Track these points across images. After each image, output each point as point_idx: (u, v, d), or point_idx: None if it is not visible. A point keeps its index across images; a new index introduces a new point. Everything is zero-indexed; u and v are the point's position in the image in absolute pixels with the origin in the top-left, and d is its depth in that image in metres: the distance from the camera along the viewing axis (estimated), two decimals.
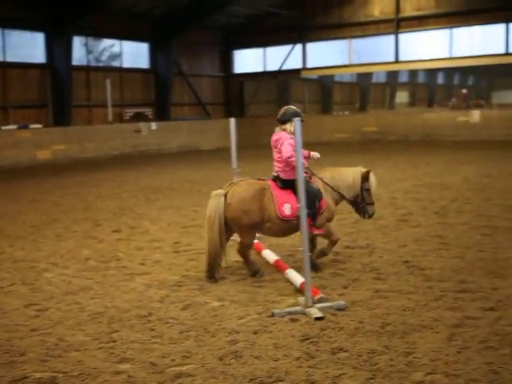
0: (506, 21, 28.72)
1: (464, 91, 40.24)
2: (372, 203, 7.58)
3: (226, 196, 6.98)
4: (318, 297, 5.92)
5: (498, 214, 10.34)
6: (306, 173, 6.98)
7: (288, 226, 7.05)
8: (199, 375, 4.44)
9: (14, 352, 5.05)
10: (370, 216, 7.65)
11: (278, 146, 7.05)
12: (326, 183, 7.26)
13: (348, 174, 7.42)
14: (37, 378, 4.48)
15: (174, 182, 17.03)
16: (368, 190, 7.46)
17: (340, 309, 5.77)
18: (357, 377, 4.29)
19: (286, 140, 6.99)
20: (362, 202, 7.48)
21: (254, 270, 7.14)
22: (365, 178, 7.43)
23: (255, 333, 5.27)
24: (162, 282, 7.11)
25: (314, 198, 6.94)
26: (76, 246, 9.26)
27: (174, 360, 4.74)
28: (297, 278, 6.52)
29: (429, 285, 6.49)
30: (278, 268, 7.29)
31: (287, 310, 5.79)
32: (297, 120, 5.40)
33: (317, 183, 7.19)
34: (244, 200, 6.90)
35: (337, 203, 7.50)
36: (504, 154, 20.80)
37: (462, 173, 16.07)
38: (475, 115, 28.34)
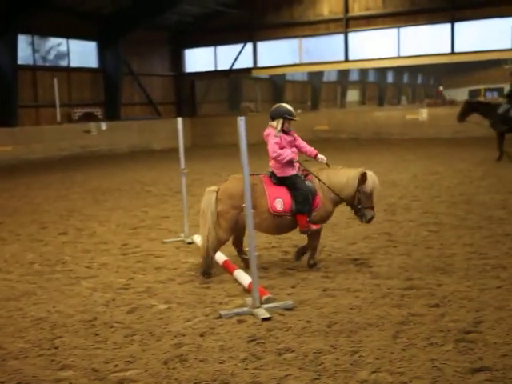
0: (452, 20, 29.34)
1: (440, 88, 40.76)
2: (370, 207, 7.29)
3: (217, 192, 6.99)
4: (265, 297, 5.88)
5: (444, 211, 10.51)
6: (302, 171, 7.19)
7: (280, 222, 7.05)
8: (142, 380, 4.34)
9: None
10: (368, 221, 7.35)
11: (267, 142, 7.11)
12: (322, 181, 7.14)
13: (343, 175, 7.24)
14: None
15: (123, 183, 16.78)
16: (365, 193, 7.20)
17: (288, 308, 5.74)
18: (302, 377, 4.26)
19: (272, 138, 7.00)
20: (358, 206, 7.24)
21: (207, 270, 7.02)
22: (362, 180, 7.17)
23: (201, 335, 5.19)
24: (108, 285, 6.96)
25: (307, 195, 6.94)
26: (20, 250, 9.00)
27: (117, 365, 4.63)
28: (245, 278, 6.47)
29: (376, 282, 6.52)
30: (226, 269, 7.23)
31: (235, 310, 5.74)
32: (240, 120, 5.33)
33: (313, 181, 7.14)
34: (233, 196, 6.86)
35: (335, 204, 7.31)
36: (451, 152, 21.23)
37: (410, 170, 16.31)
38: (424, 113, 28.86)
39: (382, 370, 4.34)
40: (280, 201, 6.95)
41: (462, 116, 18.15)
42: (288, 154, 7.01)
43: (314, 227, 7.18)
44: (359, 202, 7.23)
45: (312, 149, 7.46)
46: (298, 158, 7.16)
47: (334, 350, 4.74)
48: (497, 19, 28.84)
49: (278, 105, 7.31)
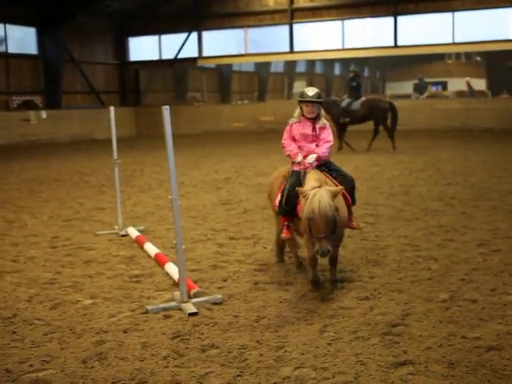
0: (395, 14, 29.68)
1: (467, 79, 41.01)
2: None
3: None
4: (194, 291, 5.74)
5: (382, 202, 10.57)
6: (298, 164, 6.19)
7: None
8: (57, 381, 4.13)
9: None
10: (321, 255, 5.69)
11: None
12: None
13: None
14: None
15: (62, 173, 16.34)
16: None
17: (216, 303, 5.62)
18: (224, 375, 4.14)
19: (287, 125, 6.47)
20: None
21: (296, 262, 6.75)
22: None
23: (125, 331, 5.01)
24: (34, 279, 6.69)
25: (289, 197, 6.11)
26: None
27: (32, 365, 4.40)
28: (175, 271, 6.30)
29: (308, 275, 6.45)
30: (158, 262, 7.05)
31: (162, 305, 5.57)
32: (165, 109, 5.14)
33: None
34: (269, 185, 6.85)
35: None
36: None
37: (352, 162, 16.39)
38: None
39: (305, 366, 4.26)
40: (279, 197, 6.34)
41: None
42: (291, 148, 6.27)
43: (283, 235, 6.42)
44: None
45: (323, 152, 6.16)
46: (299, 159, 6.14)
47: (260, 345, 4.64)
48: (439, 13, 29.34)
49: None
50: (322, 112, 6.30)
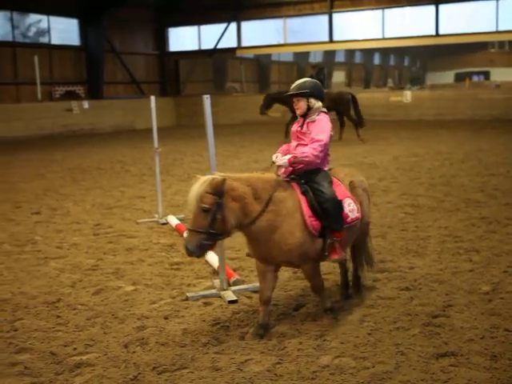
0: (436, 2, 29.13)
1: None
2: None
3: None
4: (233, 279, 5.79)
5: (423, 193, 10.45)
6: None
7: None
8: (100, 364, 4.23)
9: None
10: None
11: None
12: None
13: None
14: None
15: (103, 162, 16.58)
16: None
17: (256, 291, 5.64)
18: (263, 362, 4.17)
19: None
20: None
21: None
22: None
23: (166, 318, 5.09)
24: (77, 265, 6.83)
25: None
26: None
27: (75, 349, 4.51)
28: (215, 259, 6.35)
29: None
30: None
31: (202, 293, 5.64)
32: (206, 97, 5.16)
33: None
34: None
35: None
36: (433, 134, 21.16)
37: (391, 152, 16.23)
38: (408, 95, 28.77)
39: (345, 355, 4.26)
40: None
41: (265, 108, 20.57)
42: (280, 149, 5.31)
43: None
44: None
45: (302, 153, 4.92)
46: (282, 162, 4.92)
47: (299, 333, 4.66)
48: (482, 1, 28.69)
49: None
50: (316, 104, 5.06)
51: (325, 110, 5.14)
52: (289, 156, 4.87)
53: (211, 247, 4.61)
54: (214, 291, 5.63)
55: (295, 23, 32.70)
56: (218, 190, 4.45)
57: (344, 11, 31.11)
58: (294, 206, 4.72)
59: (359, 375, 3.98)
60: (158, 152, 9.13)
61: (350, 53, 52.03)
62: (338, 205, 4.83)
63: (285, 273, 6.23)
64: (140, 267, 6.69)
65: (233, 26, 33.66)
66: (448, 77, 52.36)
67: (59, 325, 5.03)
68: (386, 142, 19.21)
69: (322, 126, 4.98)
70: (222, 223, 4.48)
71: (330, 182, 4.95)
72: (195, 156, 17.32)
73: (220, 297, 5.52)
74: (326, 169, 5.05)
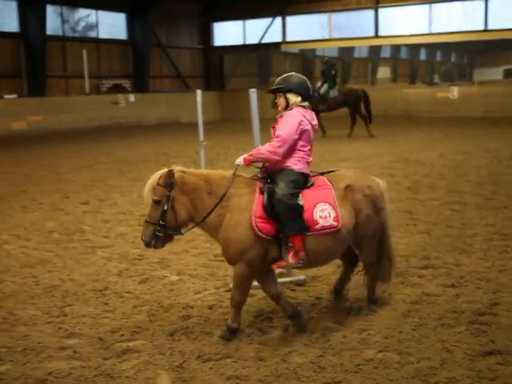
0: None
1: None
2: None
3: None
4: (277, 272, 5.80)
5: (469, 191, 10.28)
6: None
7: None
8: (146, 351, 4.32)
9: None
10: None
11: None
12: None
13: None
14: None
15: (149, 155, 16.80)
16: None
17: (299, 284, 5.67)
18: (307, 354, 4.20)
19: None
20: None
21: None
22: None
23: (210, 308, 5.16)
24: (123, 255, 6.97)
25: None
26: (41, 219, 9.06)
27: (122, 335, 4.62)
28: None
29: None
30: None
31: None
32: (252, 92, 5.18)
33: None
34: None
35: None
36: (481, 131, 20.78)
37: (438, 149, 16.00)
38: (455, 91, 28.29)
39: (389, 350, 4.25)
40: None
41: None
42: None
43: None
44: None
45: (257, 150, 4.83)
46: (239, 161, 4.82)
47: (343, 327, 4.67)
48: None
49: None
50: (293, 99, 4.88)
51: (304, 104, 4.91)
52: (245, 155, 4.79)
53: (168, 240, 4.68)
54: (257, 283, 5.66)
55: (340, 18, 32.44)
56: (168, 183, 4.54)
57: (390, 6, 30.73)
58: (248, 204, 4.60)
59: (403, 370, 3.97)
60: (203, 145, 9.19)
61: (396, 48, 51.44)
62: (292, 207, 4.51)
63: (328, 267, 6.23)
64: (185, 257, 6.78)
65: (278, 20, 33.61)
66: (496, 73, 51.26)
67: (107, 312, 5.15)
68: (432, 138, 18.94)
69: (286, 121, 4.79)
70: (173, 215, 4.54)
71: (292, 182, 4.64)
72: (239, 150, 17.37)
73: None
74: (296, 167, 4.74)
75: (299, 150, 4.77)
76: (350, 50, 43.15)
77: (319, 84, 19.95)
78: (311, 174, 4.90)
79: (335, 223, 4.61)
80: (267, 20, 33.68)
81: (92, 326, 4.84)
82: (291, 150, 4.74)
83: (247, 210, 4.56)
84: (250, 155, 4.74)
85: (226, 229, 4.57)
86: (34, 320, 5.01)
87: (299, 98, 4.89)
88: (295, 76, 4.99)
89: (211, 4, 34.35)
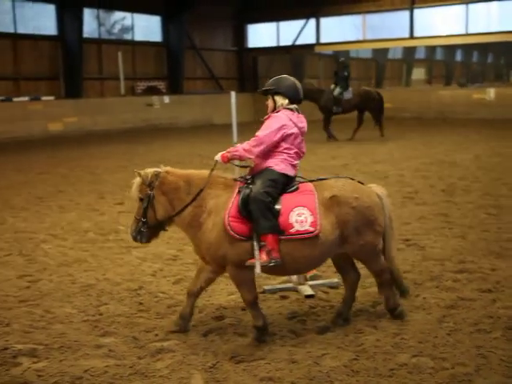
0: None
1: None
2: None
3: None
4: (311, 274, 5.81)
5: (505, 194, 10.13)
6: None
7: None
8: (180, 351, 4.36)
9: None
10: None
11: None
12: None
13: None
14: (16, 350, 4.43)
15: (183, 156, 16.91)
16: None
17: (332, 287, 5.66)
18: (340, 357, 4.19)
19: None
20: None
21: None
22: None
23: (243, 309, 5.17)
24: (158, 255, 7.04)
25: None
26: (77, 218, 9.21)
27: (157, 335, 4.68)
28: None
29: (426, 264, 6.35)
30: None
31: (279, 286, 5.70)
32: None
33: None
34: None
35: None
36: None
37: (473, 151, 15.78)
38: (491, 93, 27.84)
39: (423, 354, 4.22)
40: None
41: None
42: None
43: None
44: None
45: (234, 148, 4.93)
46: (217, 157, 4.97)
47: (376, 330, 4.64)
48: None
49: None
50: (279, 101, 4.91)
51: (291, 107, 4.90)
52: (223, 152, 4.87)
53: (153, 235, 4.90)
54: (290, 285, 5.68)
55: (374, 19, 32.23)
56: (150, 183, 4.76)
57: (426, 7, 30.42)
58: (224, 204, 4.62)
59: (438, 375, 3.94)
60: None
61: (431, 49, 50.86)
62: (265, 205, 4.49)
63: (362, 270, 6.19)
64: None
65: (312, 22, 33.55)
66: None
67: (141, 311, 5.22)
68: (468, 140, 18.68)
69: (268, 122, 4.83)
70: (152, 213, 4.76)
71: (270, 180, 4.62)
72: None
73: (297, 291, 5.56)
74: (277, 167, 4.71)
75: (283, 152, 4.78)
76: (384, 51, 42.80)
77: (332, 86, 19.91)
78: (301, 179, 4.88)
79: (311, 229, 4.53)
80: (301, 22, 33.65)
81: (127, 325, 4.90)
82: (273, 151, 4.78)
83: (223, 210, 4.60)
84: (228, 152, 4.83)
85: (205, 232, 4.64)
86: (71, 318, 5.10)
87: (286, 101, 4.91)
88: (286, 78, 5.01)
89: (245, 6, 34.47)
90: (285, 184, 4.72)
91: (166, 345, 4.47)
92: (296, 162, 4.85)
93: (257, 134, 4.76)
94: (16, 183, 12.75)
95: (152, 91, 29.77)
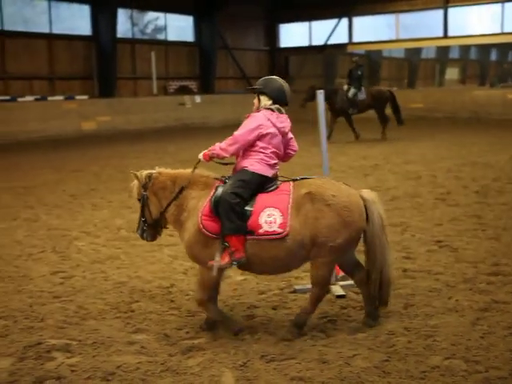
0: None
1: None
2: None
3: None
4: (342, 274, 5.77)
5: None
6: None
7: None
8: (211, 349, 4.38)
9: (34, 318, 5.11)
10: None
11: (290, 134, 5.08)
12: None
13: None
14: (50, 345, 4.51)
15: None
16: None
17: None
18: (371, 358, 4.16)
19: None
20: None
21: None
22: None
23: (274, 308, 5.19)
24: None
25: None
26: (110, 216, 9.32)
27: (188, 333, 4.71)
28: None
29: (459, 266, 6.27)
30: None
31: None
32: (319, 92, 5.19)
33: None
34: None
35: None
36: None
37: (508, 152, 15.51)
38: None
39: (456, 357, 4.17)
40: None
41: (307, 101, 19.91)
42: None
43: None
44: None
45: (212, 146, 4.95)
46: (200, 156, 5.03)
47: (408, 332, 4.60)
48: None
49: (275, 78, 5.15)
50: (263, 101, 4.98)
51: (272, 107, 4.91)
52: (205, 150, 4.92)
53: (155, 233, 5.14)
54: None
55: (408, 18, 31.96)
56: (144, 184, 5.00)
57: (460, 5, 30.05)
58: (201, 203, 4.69)
59: (471, 379, 3.88)
60: None
61: (465, 49, 50.22)
62: (230, 206, 4.49)
63: (393, 271, 6.14)
64: None
65: (344, 21, 33.42)
66: None
67: (172, 309, 5.26)
68: (503, 141, 18.37)
69: (246, 122, 4.88)
70: (148, 213, 4.99)
71: (241, 181, 4.63)
72: (302, 151, 17.23)
73: (328, 291, 5.54)
74: (252, 167, 4.71)
75: (259, 151, 4.78)
76: (417, 50, 42.34)
77: (346, 87, 19.55)
78: (284, 179, 4.87)
79: (280, 230, 4.48)
80: (333, 21, 33.55)
81: (158, 322, 4.95)
82: (249, 150, 4.80)
83: (200, 209, 4.69)
84: (209, 150, 4.89)
85: (185, 231, 4.77)
86: (103, 314, 5.17)
87: (270, 102, 4.95)
88: (274, 80, 5.05)
89: (277, 6, 34.48)
90: (260, 184, 4.71)
91: (196, 342, 4.50)
92: (273, 162, 4.84)
93: (234, 132, 4.81)
94: (50, 181, 12.96)
95: (184, 91, 29.98)
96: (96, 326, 4.89)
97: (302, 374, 4.01)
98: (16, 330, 4.84)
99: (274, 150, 4.82)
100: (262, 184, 4.72)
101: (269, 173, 4.78)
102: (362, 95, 19.46)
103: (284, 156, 5.03)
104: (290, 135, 5.04)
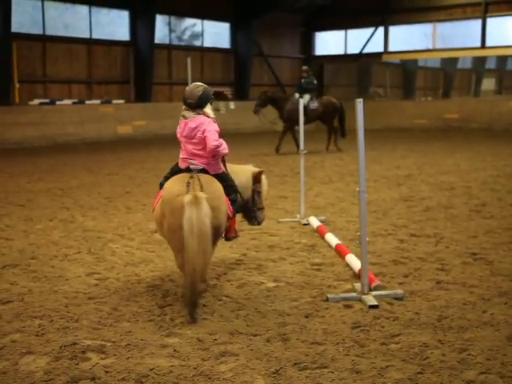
0: None
1: None
2: (262, 208, 6.76)
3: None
4: (374, 284, 5.76)
5: None
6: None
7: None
8: (243, 355, 4.39)
9: (69, 318, 5.18)
10: (260, 223, 6.82)
11: (198, 134, 5.76)
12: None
13: (240, 173, 6.50)
14: (85, 345, 4.56)
15: (246, 162, 16.95)
16: (259, 193, 6.63)
17: (397, 298, 5.58)
18: (404, 370, 4.12)
19: (211, 125, 5.79)
20: (253, 207, 6.62)
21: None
22: (256, 179, 6.59)
23: (306, 316, 5.18)
24: (222, 259, 7.12)
25: (238, 195, 6.27)
26: (144, 219, 9.41)
27: (220, 337, 4.72)
28: (356, 263, 6.36)
29: (495, 279, 6.17)
30: (338, 252, 7.15)
31: (342, 295, 5.66)
32: (358, 101, 5.19)
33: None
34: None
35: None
36: None
37: None
38: None
39: (492, 372, 4.10)
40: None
41: (259, 106, 19.59)
42: (226, 145, 5.98)
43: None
44: (254, 203, 6.62)
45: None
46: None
47: (442, 345, 4.55)
48: None
49: (196, 85, 5.91)
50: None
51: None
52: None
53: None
54: (354, 294, 5.64)
55: (445, 28, 31.70)
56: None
57: (499, 16, 29.70)
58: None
59: None
60: (303, 154, 9.28)
61: (502, 59, 49.52)
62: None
63: (427, 282, 6.10)
64: (281, 265, 6.84)
65: (380, 30, 33.29)
66: None
67: (205, 313, 5.28)
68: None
69: (214, 126, 5.91)
70: None
71: (169, 173, 5.90)
72: (336, 160, 17.34)
73: (360, 300, 5.52)
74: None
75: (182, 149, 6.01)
76: (454, 60, 41.94)
77: (297, 95, 19.10)
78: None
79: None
80: (369, 30, 33.44)
81: (191, 326, 4.98)
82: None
83: None
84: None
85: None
86: (137, 317, 5.22)
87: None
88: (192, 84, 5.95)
89: (313, 14, 34.51)
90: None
91: (229, 348, 4.51)
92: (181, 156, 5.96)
93: (215, 136, 5.75)
94: (86, 183, 13.17)
95: (218, 96, 30.15)
96: (130, 328, 4.94)
97: (334, 383, 3.99)
98: (52, 330, 4.92)
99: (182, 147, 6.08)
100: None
101: (183, 166, 5.94)
102: (314, 104, 19.22)
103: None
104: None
